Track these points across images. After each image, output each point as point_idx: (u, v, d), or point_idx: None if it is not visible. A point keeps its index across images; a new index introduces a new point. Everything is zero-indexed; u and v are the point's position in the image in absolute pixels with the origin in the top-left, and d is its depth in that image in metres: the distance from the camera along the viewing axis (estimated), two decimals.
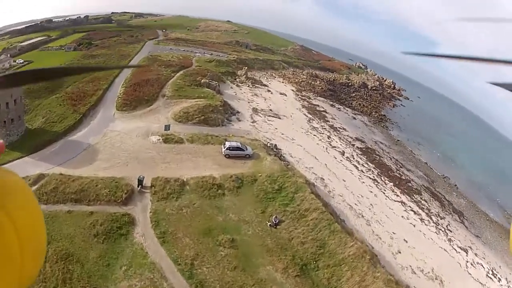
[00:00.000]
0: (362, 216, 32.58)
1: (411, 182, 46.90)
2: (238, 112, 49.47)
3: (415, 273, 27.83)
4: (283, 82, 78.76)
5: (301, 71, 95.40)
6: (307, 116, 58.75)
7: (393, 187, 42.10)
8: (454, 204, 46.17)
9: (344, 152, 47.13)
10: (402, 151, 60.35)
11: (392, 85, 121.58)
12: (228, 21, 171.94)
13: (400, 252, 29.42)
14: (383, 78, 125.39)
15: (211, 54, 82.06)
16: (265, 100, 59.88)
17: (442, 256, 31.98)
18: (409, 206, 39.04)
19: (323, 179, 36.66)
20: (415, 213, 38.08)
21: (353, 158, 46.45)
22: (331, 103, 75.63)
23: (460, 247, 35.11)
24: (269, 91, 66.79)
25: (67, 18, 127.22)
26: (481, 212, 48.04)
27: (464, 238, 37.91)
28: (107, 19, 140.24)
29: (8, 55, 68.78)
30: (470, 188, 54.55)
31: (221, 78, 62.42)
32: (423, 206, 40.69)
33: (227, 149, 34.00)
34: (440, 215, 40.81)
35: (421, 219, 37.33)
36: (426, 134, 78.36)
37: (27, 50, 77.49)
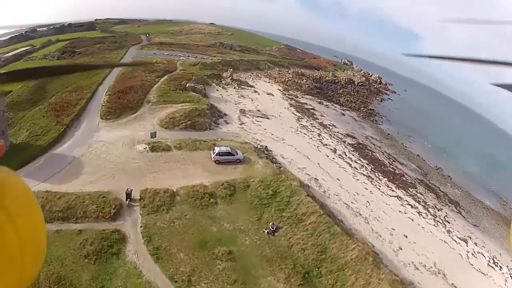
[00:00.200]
0: (360, 214, 31.86)
1: (405, 175, 46.46)
2: (225, 114, 48.25)
3: (418, 269, 27.38)
4: (269, 82, 77.76)
5: (287, 70, 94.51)
6: (295, 115, 57.85)
7: (387, 182, 41.53)
8: (449, 195, 45.97)
9: (335, 150, 46.37)
10: (394, 145, 60.06)
11: (379, 80, 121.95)
12: (212, 23, 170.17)
13: (401, 249, 28.93)
14: (369, 74, 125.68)
15: (196, 57, 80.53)
16: (252, 101, 58.79)
17: (442, 248, 31.68)
18: (406, 200, 38.56)
19: (317, 179, 35.78)
20: (412, 207, 37.62)
21: (346, 155, 45.73)
22: (319, 100, 74.98)
23: (459, 238, 34.96)
24: (255, 91, 65.71)
25: (51, 27, 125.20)
26: (476, 201, 48.02)
27: (463, 228, 37.75)
28: (90, 26, 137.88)
29: None
30: (464, 177, 54.64)
31: (206, 81, 61.13)
32: (419, 199, 40.25)
33: (216, 154, 32.66)
34: (437, 207, 40.48)
35: (419, 213, 36.92)
36: (415, 126, 78.62)
37: (12, 61, 75.12)
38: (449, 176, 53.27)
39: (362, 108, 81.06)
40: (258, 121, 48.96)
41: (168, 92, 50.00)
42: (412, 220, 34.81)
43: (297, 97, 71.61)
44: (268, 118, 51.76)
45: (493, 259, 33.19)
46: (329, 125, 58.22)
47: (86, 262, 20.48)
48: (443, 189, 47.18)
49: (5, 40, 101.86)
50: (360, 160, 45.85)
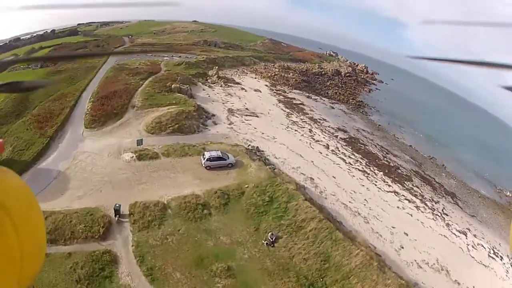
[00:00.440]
0: (359, 213, 31.08)
1: (400, 168, 45.86)
2: (213, 115, 46.79)
3: (421, 267, 26.94)
4: (256, 78, 76.33)
5: (272, 64, 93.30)
6: (285, 111, 56.69)
7: (383, 177, 40.85)
8: (445, 186, 45.67)
9: (328, 146, 45.40)
10: (385, 136, 59.51)
11: (365, 70, 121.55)
12: (194, 21, 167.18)
13: (402, 247, 28.48)
14: (355, 64, 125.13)
15: (180, 56, 78.48)
16: (239, 99, 57.35)
17: (443, 243, 31.35)
18: (403, 195, 37.99)
19: (313, 179, 34.78)
20: (409, 201, 37.10)
21: (339, 151, 44.83)
22: (307, 94, 73.91)
23: (459, 231, 34.73)
24: (242, 88, 64.28)
25: (34, 34, 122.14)
26: (472, 190, 47.89)
27: (461, 220, 37.53)
28: (73, 31, 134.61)
29: None
30: (457, 166, 54.51)
31: (192, 81, 59.49)
32: (416, 193, 39.72)
33: (207, 160, 31.04)
34: (434, 199, 40.08)
35: (417, 207, 36.46)
36: (405, 115, 78.45)
37: None
38: (443, 165, 53.02)
39: (351, 100, 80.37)
40: (247, 120, 47.67)
41: (153, 94, 48.26)
42: (411, 215, 34.28)
43: (285, 92, 70.42)
44: (257, 116, 50.50)
45: (493, 250, 33.12)
46: (319, 119, 57.23)
47: None
48: (438, 180, 46.80)
49: None
50: (354, 155, 45.02)
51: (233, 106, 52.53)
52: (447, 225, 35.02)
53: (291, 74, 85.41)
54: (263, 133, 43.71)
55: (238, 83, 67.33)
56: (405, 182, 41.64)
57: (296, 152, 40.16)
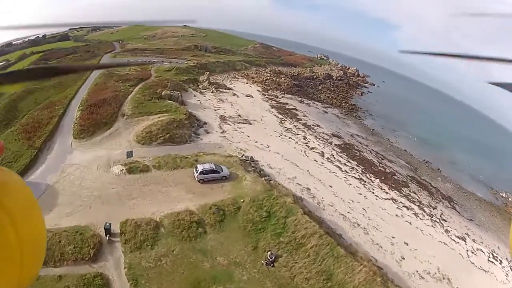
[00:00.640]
0: (358, 224, 30.32)
1: (396, 174, 45.32)
2: (205, 123, 45.71)
3: (423, 277, 26.44)
4: (247, 83, 75.50)
5: (264, 69, 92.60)
6: (278, 117, 55.85)
7: (380, 184, 40.24)
8: (441, 190, 45.33)
9: (323, 153, 44.63)
10: (380, 141, 59.06)
11: (356, 73, 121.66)
12: (185, 25, 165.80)
13: (403, 258, 27.93)
14: (346, 67, 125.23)
15: (170, 62, 77.42)
16: (231, 105, 56.39)
17: (443, 251, 30.95)
18: (401, 202, 37.46)
19: (309, 189, 33.93)
20: (407, 208, 36.62)
21: (334, 158, 44.10)
22: (300, 99, 73.32)
23: (458, 236, 34.38)
24: (234, 94, 63.35)
25: (26, 40, 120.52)
26: (468, 193, 47.68)
27: (460, 225, 37.24)
28: (64, 36, 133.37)
29: None
30: (452, 169, 54.40)
31: (183, 87, 58.40)
32: (413, 199, 39.22)
33: (200, 173, 29.81)
34: (432, 205, 39.72)
35: (415, 214, 35.99)
36: (398, 118, 78.51)
37: None
38: (439, 169, 52.76)
39: (343, 104, 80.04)
40: (240, 128, 46.69)
41: (144, 102, 47.03)
42: (410, 223, 33.73)
43: (277, 97, 69.71)
44: (250, 124, 49.56)
45: (492, 254, 32.96)
46: (313, 125, 56.54)
47: None
48: (434, 184, 46.42)
49: None
50: (350, 162, 44.34)
51: (225, 112, 51.55)
52: (446, 231, 34.64)
53: (282, 78, 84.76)
54: (256, 142, 42.74)
55: (229, 89, 66.43)
56: (402, 188, 41.09)
57: (291, 161, 39.29)
